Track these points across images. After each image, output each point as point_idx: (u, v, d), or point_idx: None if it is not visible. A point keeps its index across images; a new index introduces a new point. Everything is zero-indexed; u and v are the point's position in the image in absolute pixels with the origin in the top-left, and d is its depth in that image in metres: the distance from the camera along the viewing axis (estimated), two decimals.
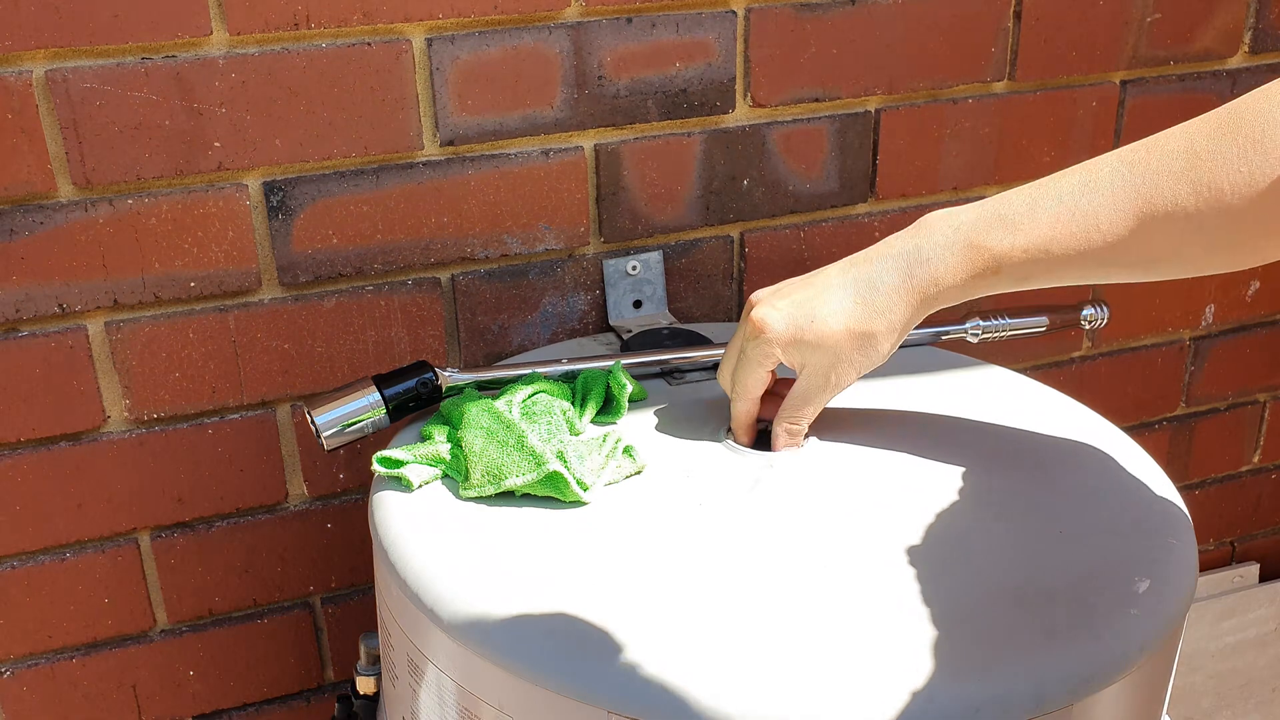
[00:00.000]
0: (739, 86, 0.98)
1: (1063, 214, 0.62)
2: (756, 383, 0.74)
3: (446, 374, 0.81)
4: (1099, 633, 0.58)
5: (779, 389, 0.76)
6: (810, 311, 0.69)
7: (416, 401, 0.80)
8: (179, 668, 1.00)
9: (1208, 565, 1.45)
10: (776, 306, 0.71)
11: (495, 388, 0.82)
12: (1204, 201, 0.56)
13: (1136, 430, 1.30)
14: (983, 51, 1.05)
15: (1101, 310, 0.93)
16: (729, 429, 0.78)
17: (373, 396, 0.79)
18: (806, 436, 0.76)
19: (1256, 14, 1.15)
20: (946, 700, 0.54)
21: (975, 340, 0.91)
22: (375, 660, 0.85)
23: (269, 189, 0.88)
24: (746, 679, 0.55)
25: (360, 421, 0.79)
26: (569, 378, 0.83)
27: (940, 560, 0.64)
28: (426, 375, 0.80)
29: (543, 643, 0.58)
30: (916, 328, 0.71)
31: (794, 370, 0.72)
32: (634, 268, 1.00)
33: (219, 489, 0.95)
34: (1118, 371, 1.26)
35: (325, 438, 0.78)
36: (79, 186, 0.83)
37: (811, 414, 0.74)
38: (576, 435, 0.78)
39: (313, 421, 0.78)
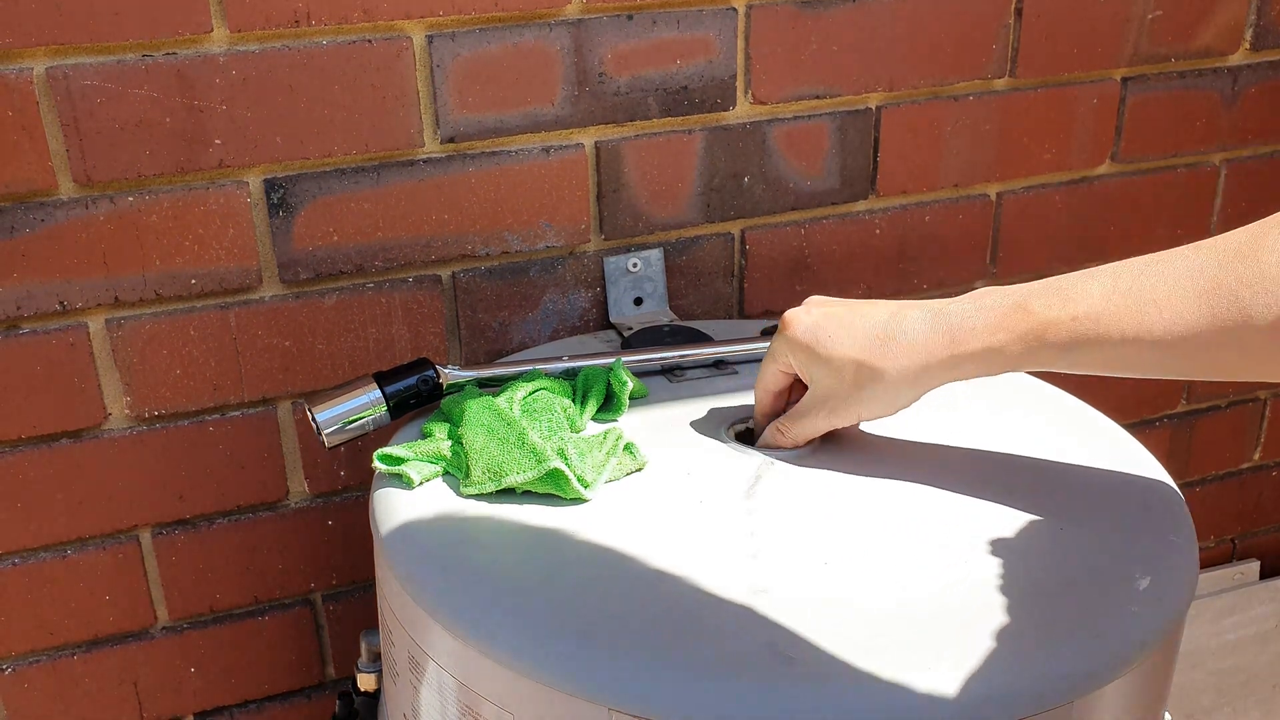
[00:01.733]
0: (740, 83, 0.98)
1: (1119, 287, 0.59)
2: (770, 376, 0.74)
3: (447, 371, 0.81)
4: (1100, 630, 0.58)
5: None
6: (832, 329, 0.69)
7: (417, 399, 0.80)
8: (180, 665, 1.00)
9: (1208, 562, 1.45)
10: (810, 312, 0.71)
11: (496, 385, 0.82)
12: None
13: (1137, 427, 1.30)
14: (984, 48, 1.05)
15: None
16: (729, 426, 0.78)
17: (374, 394, 0.79)
18: None
19: (1258, 11, 1.15)
20: (947, 697, 0.54)
21: None
22: (376, 657, 0.85)
23: (270, 186, 0.88)
24: (747, 677, 0.55)
25: (361, 419, 0.79)
26: (570, 375, 0.83)
27: (940, 557, 0.64)
28: (427, 372, 0.80)
29: (544, 640, 0.58)
30: None
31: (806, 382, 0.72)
32: (635, 265, 1.00)
33: (220, 486, 0.95)
34: None
35: (326, 435, 0.78)
36: (80, 184, 0.83)
37: (800, 433, 0.73)
38: (577, 432, 0.78)
39: (314, 418, 0.78)
